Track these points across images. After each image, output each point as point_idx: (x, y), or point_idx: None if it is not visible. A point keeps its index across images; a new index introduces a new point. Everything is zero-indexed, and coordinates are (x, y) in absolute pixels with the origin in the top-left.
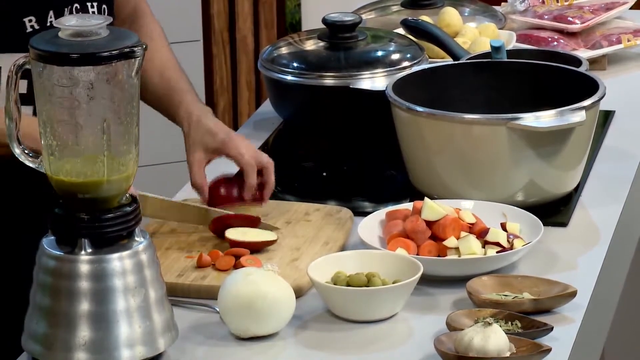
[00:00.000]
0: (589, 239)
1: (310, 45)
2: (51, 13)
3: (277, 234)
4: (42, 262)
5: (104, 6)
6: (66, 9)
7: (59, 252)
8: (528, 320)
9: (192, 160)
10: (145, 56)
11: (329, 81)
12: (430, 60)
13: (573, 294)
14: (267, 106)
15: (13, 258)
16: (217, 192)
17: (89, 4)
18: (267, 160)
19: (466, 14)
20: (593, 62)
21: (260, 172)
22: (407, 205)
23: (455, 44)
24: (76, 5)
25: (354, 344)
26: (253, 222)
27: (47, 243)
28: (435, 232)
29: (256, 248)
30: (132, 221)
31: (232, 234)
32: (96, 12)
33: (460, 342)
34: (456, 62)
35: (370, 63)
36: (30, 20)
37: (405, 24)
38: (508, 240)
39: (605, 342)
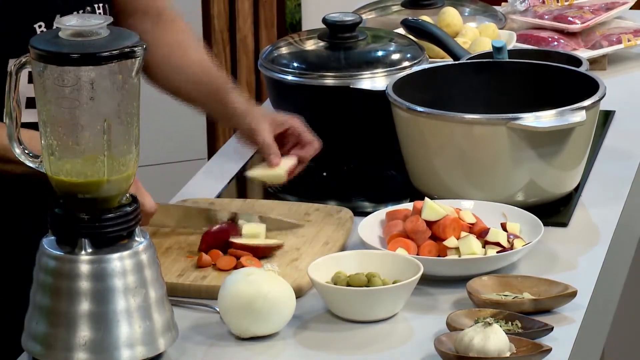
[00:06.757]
0: (589, 239)
1: (311, 45)
2: (57, 17)
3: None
4: (43, 262)
5: (106, 6)
6: (75, 13)
7: (59, 252)
8: (528, 320)
9: (262, 128)
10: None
11: (329, 81)
12: (430, 60)
13: (573, 294)
14: (267, 106)
15: (13, 257)
16: (210, 237)
17: (95, 5)
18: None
19: (466, 14)
20: (593, 62)
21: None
22: (407, 205)
23: (455, 44)
24: (83, 10)
25: (354, 344)
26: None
27: (47, 243)
28: (436, 232)
29: (261, 254)
30: (132, 221)
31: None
32: (102, 14)
33: (460, 342)
34: (456, 62)
35: (371, 63)
36: (40, 26)
37: (405, 23)
38: (508, 240)
39: (605, 342)
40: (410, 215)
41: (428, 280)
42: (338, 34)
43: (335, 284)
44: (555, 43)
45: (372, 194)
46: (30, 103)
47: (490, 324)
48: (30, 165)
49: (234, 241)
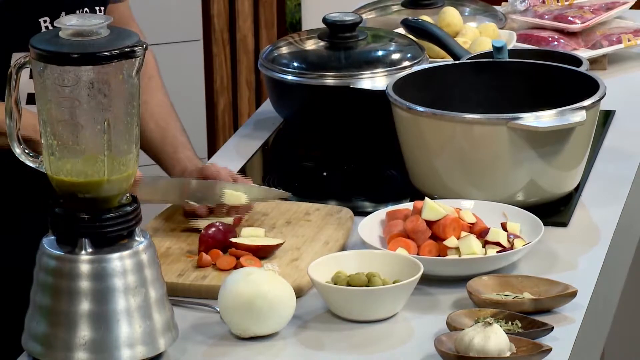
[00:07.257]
0: (589, 239)
1: (311, 45)
2: (63, 14)
3: (279, 236)
4: (43, 262)
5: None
6: (78, 11)
7: (59, 252)
8: (528, 320)
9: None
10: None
11: (329, 81)
12: (430, 60)
13: (573, 294)
14: (267, 106)
15: (13, 257)
16: (206, 236)
17: (97, 8)
18: (243, 177)
19: (466, 14)
20: (593, 62)
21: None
22: (408, 205)
23: (455, 44)
24: (86, 9)
25: (354, 344)
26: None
27: (48, 243)
28: (436, 232)
29: (263, 253)
30: (132, 221)
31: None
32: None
33: (460, 342)
34: (456, 62)
35: (371, 63)
36: (45, 21)
37: (405, 23)
38: (508, 240)
39: (605, 342)
40: (411, 215)
41: (428, 280)
42: (338, 33)
43: (335, 284)
44: (555, 43)
45: (372, 194)
46: (31, 99)
47: (490, 324)
48: (31, 165)
49: (235, 242)
